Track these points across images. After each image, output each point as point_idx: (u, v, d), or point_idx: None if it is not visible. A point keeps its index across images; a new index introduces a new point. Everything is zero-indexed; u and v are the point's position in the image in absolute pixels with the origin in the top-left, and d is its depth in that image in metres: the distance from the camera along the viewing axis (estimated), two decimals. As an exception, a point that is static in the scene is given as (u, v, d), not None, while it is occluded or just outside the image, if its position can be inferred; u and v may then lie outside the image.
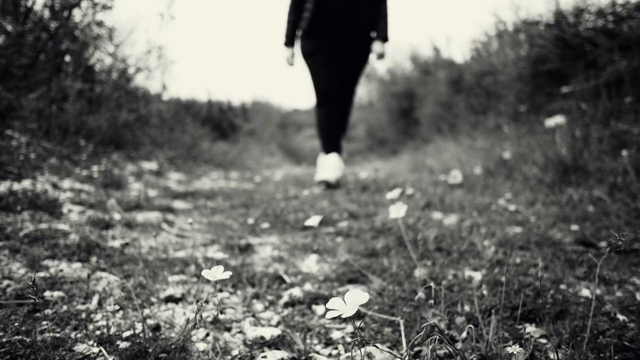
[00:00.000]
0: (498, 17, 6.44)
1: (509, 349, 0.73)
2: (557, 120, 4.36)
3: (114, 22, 5.81)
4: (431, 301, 0.87)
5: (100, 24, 4.83)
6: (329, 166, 3.85)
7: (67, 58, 5.01)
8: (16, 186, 2.45)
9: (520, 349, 0.74)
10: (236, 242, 1.84)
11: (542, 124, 4.75)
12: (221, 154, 6.04)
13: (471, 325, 0.75)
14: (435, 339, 0.68)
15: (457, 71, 8.62)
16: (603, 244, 1.88)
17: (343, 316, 0.64)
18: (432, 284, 0.89)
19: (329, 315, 0.65)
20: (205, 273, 0.83)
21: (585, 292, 1.32)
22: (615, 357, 0.89)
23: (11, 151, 2.90)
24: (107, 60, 5.51)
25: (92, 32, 4.93)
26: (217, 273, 0.83)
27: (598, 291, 1.32)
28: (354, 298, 0.66)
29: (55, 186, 2.66)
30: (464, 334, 0.75)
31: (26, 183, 2.55)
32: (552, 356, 0.90)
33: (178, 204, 2.79)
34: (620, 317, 1.13)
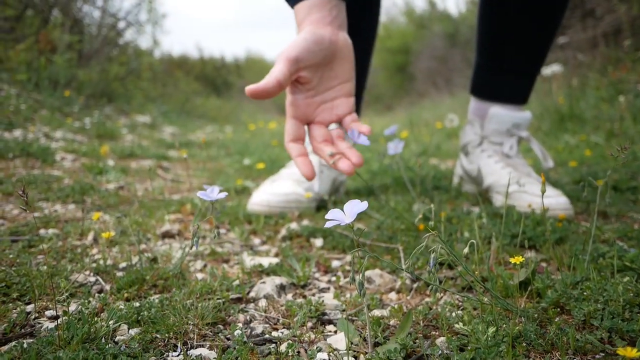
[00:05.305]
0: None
1: (512, 260, 0.71)
2: (553, 68, 4.31)
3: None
4: (431, 222, 0.85)
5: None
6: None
7: (55, 12, 4.87)
8: (7, 135, 2.41)
9: (522, 260, 0.73)
10: (232, 185, 1.82)
11: (539, 74, 4.70)
12: (215, 109, 5.97)
13: (473, 240, 0.74)
14: (438, 249, 0.67)
15: (452, 24, 8.46)
16: (601, 182, 1.87)
17: (342, 224, 0.62)
18: (432, 206, 0.88)
19: (328, 224, 0.63)
20: (201, 194, 0.80)
21: (584, 224, 1.31)
22: (617, 275, 0.88)
23: (0, 101, 2.85)
24: (96, 14, 5.38)
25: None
26: (213, 193, 0.81)
27: (597, 223, 1.31)
28: (354, 207, 0.65)
29: (47, 136, 2.62)
30: (466, 249, 0.73)
31: (17, 133, 2.51)
32: (553, 276, 0.90)
33: (173, 153, 2.76)
34: (620, 243, 1.13)
